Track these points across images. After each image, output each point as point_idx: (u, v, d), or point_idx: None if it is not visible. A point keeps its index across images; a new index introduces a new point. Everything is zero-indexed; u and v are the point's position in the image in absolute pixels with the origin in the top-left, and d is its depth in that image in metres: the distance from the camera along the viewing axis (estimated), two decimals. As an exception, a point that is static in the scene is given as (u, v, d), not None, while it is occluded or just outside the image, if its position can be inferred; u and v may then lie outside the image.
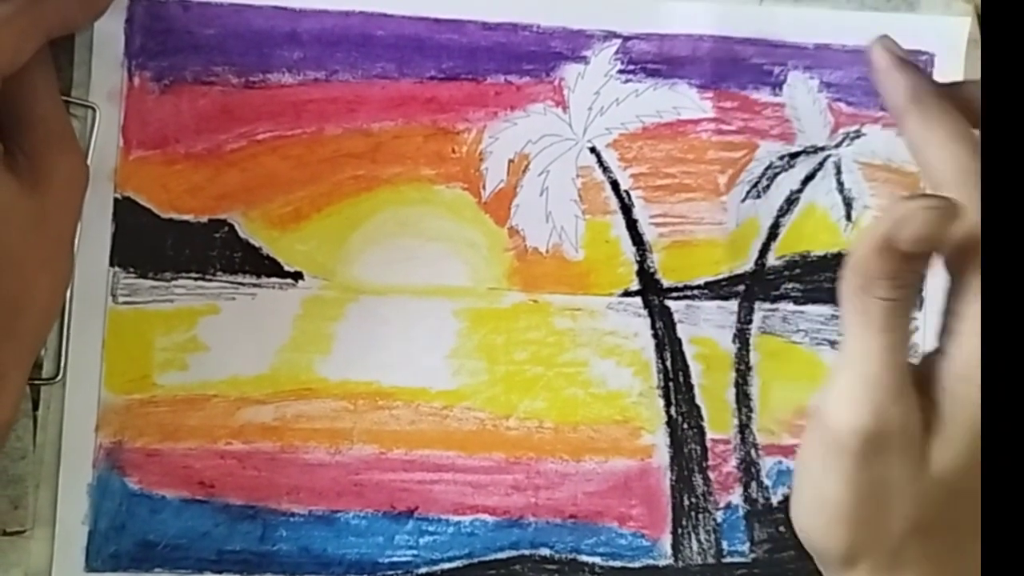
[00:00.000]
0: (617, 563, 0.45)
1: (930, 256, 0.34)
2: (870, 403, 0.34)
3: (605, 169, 0.46)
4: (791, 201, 0.46)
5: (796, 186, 0.46)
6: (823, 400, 0.35)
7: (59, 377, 0.43)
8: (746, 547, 0.45)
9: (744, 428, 0.46)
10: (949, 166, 0.35)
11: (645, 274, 0.45)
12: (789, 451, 0.45)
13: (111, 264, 0.44)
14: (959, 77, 0.46)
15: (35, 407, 0.43)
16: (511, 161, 0.45)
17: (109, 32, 0.44)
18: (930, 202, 0.32)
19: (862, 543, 0.35)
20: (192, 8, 0.44)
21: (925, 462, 0.35)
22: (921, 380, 0.35)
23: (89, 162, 0.43)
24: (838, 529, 0.36)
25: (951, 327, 0.35)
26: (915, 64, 0.37)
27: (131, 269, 0.44)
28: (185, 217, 0.44)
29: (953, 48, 0.46)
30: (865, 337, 0.34)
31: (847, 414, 0.34)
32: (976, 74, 0.46)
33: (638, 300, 0.45)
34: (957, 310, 0.35)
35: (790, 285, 0.46)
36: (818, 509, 0.36)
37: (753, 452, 0.45)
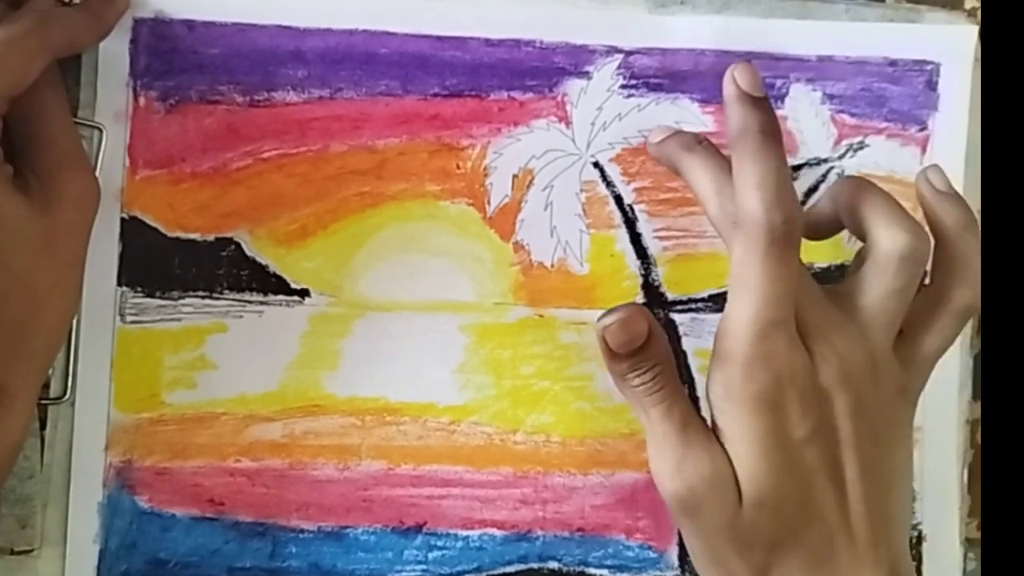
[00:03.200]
0: (625, 575, 0.45)
1: (656, 341, 0.38)
2: (666, 470, 0.38)
3: (608, 183, 0.46)
4: (795, 213, 0.46)
5: (799, 198, 0.46)
6: None
7: (67, 396, 0.43)
8: (753, 558, 0.45)
9: (750, 440, 0.46)
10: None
11: (650, 287, 0.46)
12: (795, 462, 0.46)
13: (119, 283, 0.44)
14: (966, 87, 0.46)
15: (42, 426, 0.43)
16: (515, 176, 0.45)
17: (114, 52, 0.44)
18: (608, 319, 0.37)
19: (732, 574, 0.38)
20: (197, 28, 0.44)
21: (740, 494, 0.37)
22: (713, 421, 0.38)
23: (96, 182, 0.43)
24: (708, 569, 0.39)
25: (713, 352, 0.38)
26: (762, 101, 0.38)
27: (139, 288, 0.44)
28: (192, 236, 0.44)
29: (959, 58, 0.46)
30: (642, 415, 0.38)
31: (658, 483, 0.38)
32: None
33: (643, 313, 0.46)
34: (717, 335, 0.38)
35: (794, 297, 0.46)
36: (693, 559, 0.40)
37: (759, 464, 0.46)
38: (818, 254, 0.46)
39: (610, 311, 0.38)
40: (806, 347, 0.37)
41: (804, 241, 0.38)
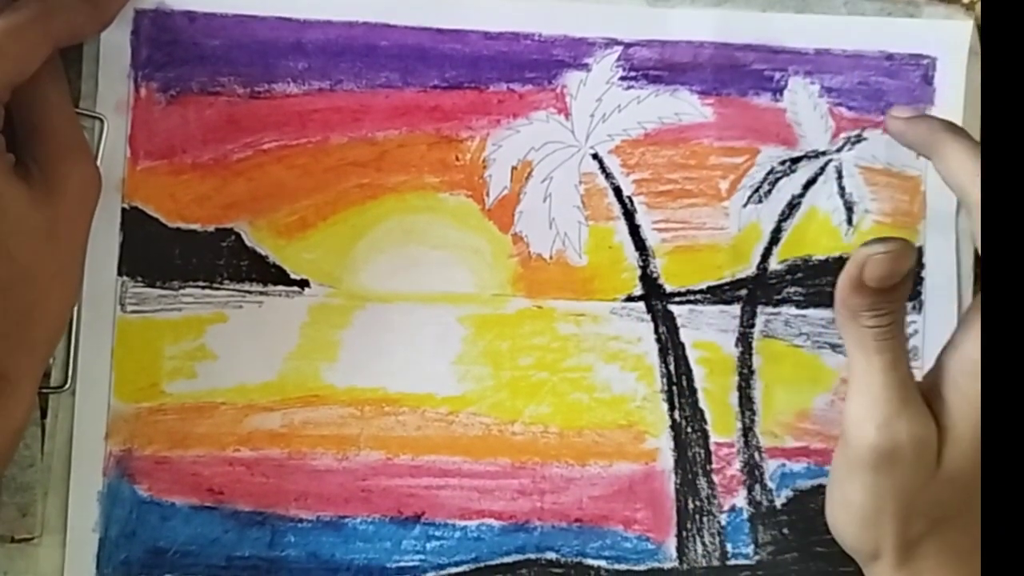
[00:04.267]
0: (623, 566, 0.45)
1: (905, 285, 0.37)
2: (875, 420, 0.37)
3: (608, 175, 0.46)
4: (793, 206, 0.46)
5: (798, 191, 0.46)
6: (843, 417, 0.39)
7: (68, 386, 0.43)
8: (750, 549, 0.45)
9: (747, 431, 0.46)
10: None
11: (648, 279, 0.46)
12: (792, 454, 0.46)
13: (119, 273, 0.44)
14: (961, 81, 0.46)
15: (43, 415, 0.44)
16: (514, 168, 0.46)
17: (116, 44, 0.44)
18: (880, 247, 0.36)
19: (882, 541, 0.38)
20: (198, 19, 0.44)
21: (938, 464, 0.37)
22: (932, 386, 0.38)
23: (97, 172, 0.43)
24: (861, 529, 0.39)
25: (963, 323, 0.38)
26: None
27: (139, 278, 0.44)
28: (192, 226, 0.44)
29: (954, 52, 0.46)
30: (862, 360, 0.38)
31: (858, 431, 0.38)
32: (977, 80, 0.46)
33: (641, 305, 0.46)
34: (972, 307, 0.38)
35: (792, 289, 0.46)
36: (844, 510, 0.40)
37: (756, 455, 0.46)
38: (816, 247, 0.46)
39: (879, 239, 0.37)
40: None
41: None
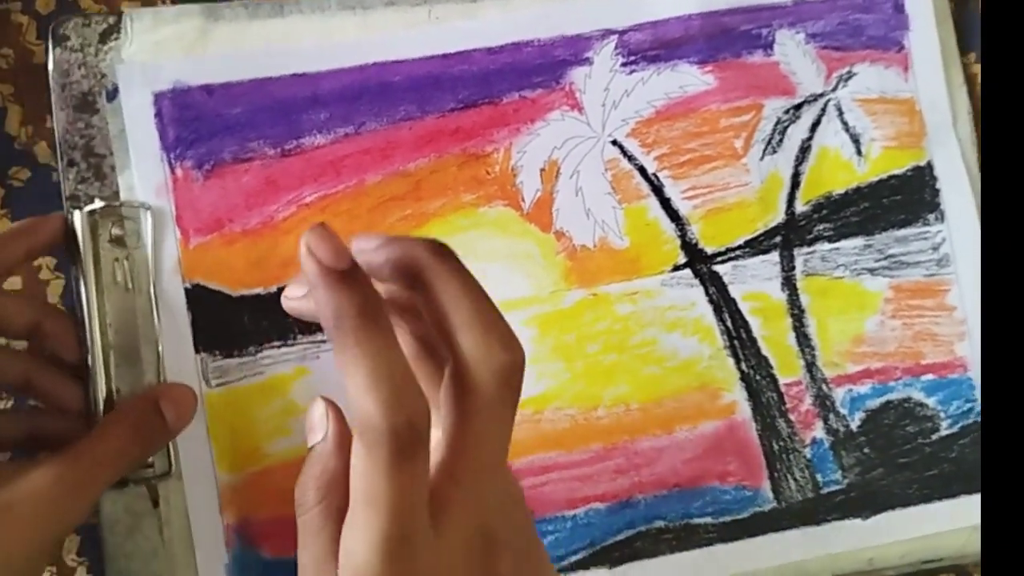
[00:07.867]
0: (727, 518, 0.47)
1: None
2: None
3: (630, 158, 0.48)
4: (804, 149, 0.49)
5: (806, 134, 0.49)
6: None
7: (172, 471, 0.44)
8: (839, 475, 0.48)
9: (811, 367, 0.48)
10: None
11: (688, 246, 0.48)
12: (856, 378, 0.48)
13: (197, 351, 0.45)
14: (929, 5, 0.50)
15: (155, 505, 0.44)
16: (542, 170, 0.47)
17: (143, 131, 0.45)
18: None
19: None
20: (216, 91, 0.45)
21: None
22: None
23: (150, 260, 0.44)
24: None
25: None
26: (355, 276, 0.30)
27: (216, 352, 0.45)
28: (255, 291, 0.45)
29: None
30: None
31: None
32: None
33: (688, 272, 0.48)
34: None
35: (821, 226, 0.49)
36: None
37: (824, 387, 0.48)
38: (834, 182, 0.49)
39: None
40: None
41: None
